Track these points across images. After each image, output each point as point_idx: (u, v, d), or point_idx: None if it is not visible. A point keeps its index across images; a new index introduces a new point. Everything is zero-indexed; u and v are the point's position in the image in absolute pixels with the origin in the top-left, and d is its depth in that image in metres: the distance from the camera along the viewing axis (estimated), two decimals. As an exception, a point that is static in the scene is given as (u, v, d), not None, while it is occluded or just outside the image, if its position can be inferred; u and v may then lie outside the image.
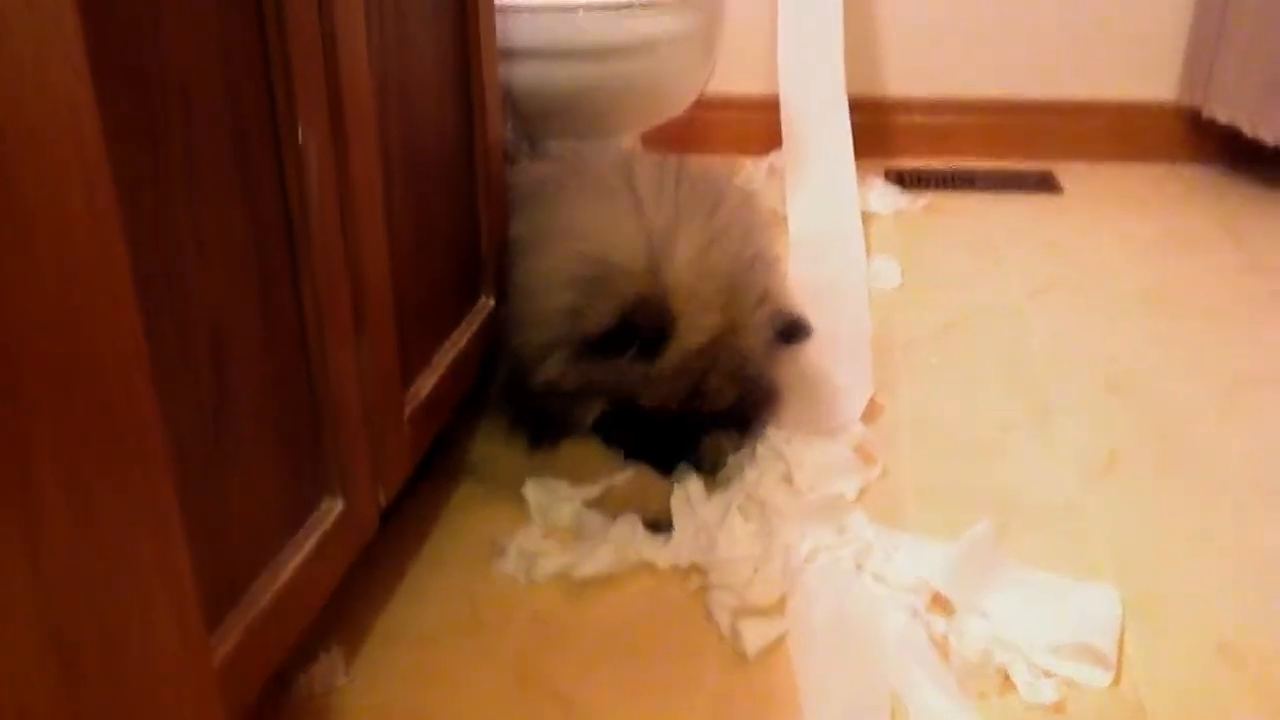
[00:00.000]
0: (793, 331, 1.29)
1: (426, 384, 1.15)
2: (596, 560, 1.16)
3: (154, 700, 0.63)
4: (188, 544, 0.67)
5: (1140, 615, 1.10)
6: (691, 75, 1.83)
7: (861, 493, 1.29)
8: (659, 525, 1.21)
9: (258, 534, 0.84)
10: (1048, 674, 1.02)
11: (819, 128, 2.17)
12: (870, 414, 1.45)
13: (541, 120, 1.73)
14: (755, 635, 1.07)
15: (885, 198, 2.23)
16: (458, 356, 1.23)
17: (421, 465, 1.16)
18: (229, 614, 0.79)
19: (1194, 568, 1.18)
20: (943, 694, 1.00)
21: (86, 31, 0.53)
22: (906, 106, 2.49)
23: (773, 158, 2.30)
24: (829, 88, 2.21)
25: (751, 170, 2.34)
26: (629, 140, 1.88)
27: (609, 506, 1.25)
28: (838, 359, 1.53)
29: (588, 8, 1.63)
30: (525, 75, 1.64)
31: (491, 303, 1.34)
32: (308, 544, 0.89)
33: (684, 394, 1.25)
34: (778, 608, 1.10)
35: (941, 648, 1.05)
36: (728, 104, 2.40)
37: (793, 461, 1.30)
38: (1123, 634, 1.07)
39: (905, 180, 2.34)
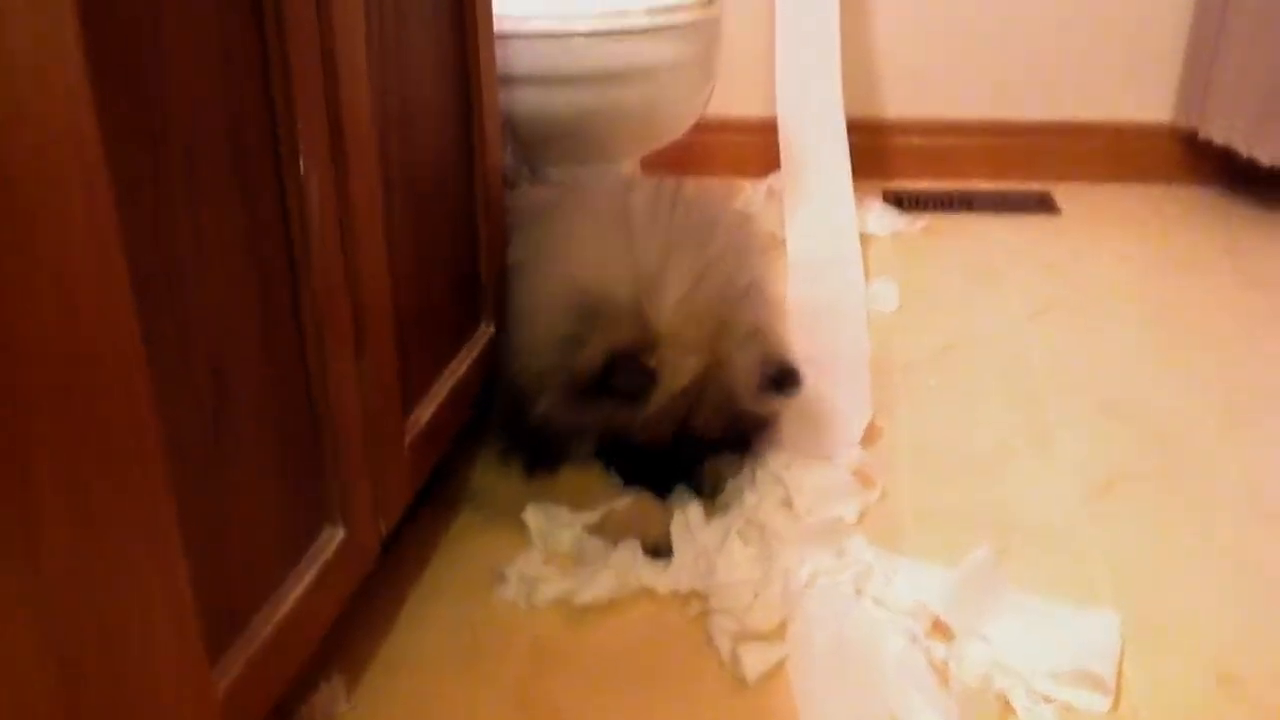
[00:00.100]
0: (783, 381, 1.28)
1: (427, 411, 1.15)
2: (597, 586, 1.16)
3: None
4: (190, 574, 0.68)
5: (1140, 639, 1.10)
6: (690, 100, 1.84)
7: (861, 516, 1.29)
8: (659, 550, 1.21)
9: (259, 565, 0.84)
10: (1047, 699, 1.02)
11: (817, 150, 2.19)
12: (869, 437, 1.45)
13: (541, 146, 1.75)
14: (755, 660, 1.07)
15: (883, 219, 2.24)
16: (458, 383, 1.23)
17: (421, 492, 1.16)
18: (231, 646, 0.80)
19: (1193, 591, 1.18)
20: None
21: (91, 68, 0.54)
22: (904, 128, 2.50)
23: (771, 180, 2.31)
24: (827, 110, 2.22)
25: (750, 192, 2.34)
26: (629, 165, 1.89)
27: (609, 532, 1.25)
28: (836, 382, 1.54)
29: (586, 34, 1.64)
30: (525, 101, 1.66)
31: (491, 329, 1.35)
32: (309, 574, 0.89)
33: (672, 430, 1.26)
34: (778, 633, 1.11)
35: (941, 673, 1.05)
36: (726, 126, 2.42)
37: (792, 485, 1.31)
38: (1122, 659, 1.07)
39: (903, 202, 2.35)
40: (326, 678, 1.04)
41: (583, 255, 1.27)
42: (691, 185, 1.41)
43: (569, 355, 1.22)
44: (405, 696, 1.05)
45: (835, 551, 1.20)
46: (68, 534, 0.55)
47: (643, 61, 1.69)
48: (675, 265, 1.25)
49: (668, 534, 1.22)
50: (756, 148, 2.35)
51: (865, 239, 2.11)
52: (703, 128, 2.00)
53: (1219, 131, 2.27)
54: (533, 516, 1.26)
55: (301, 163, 0.84)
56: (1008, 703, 1.02)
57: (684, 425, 1.26)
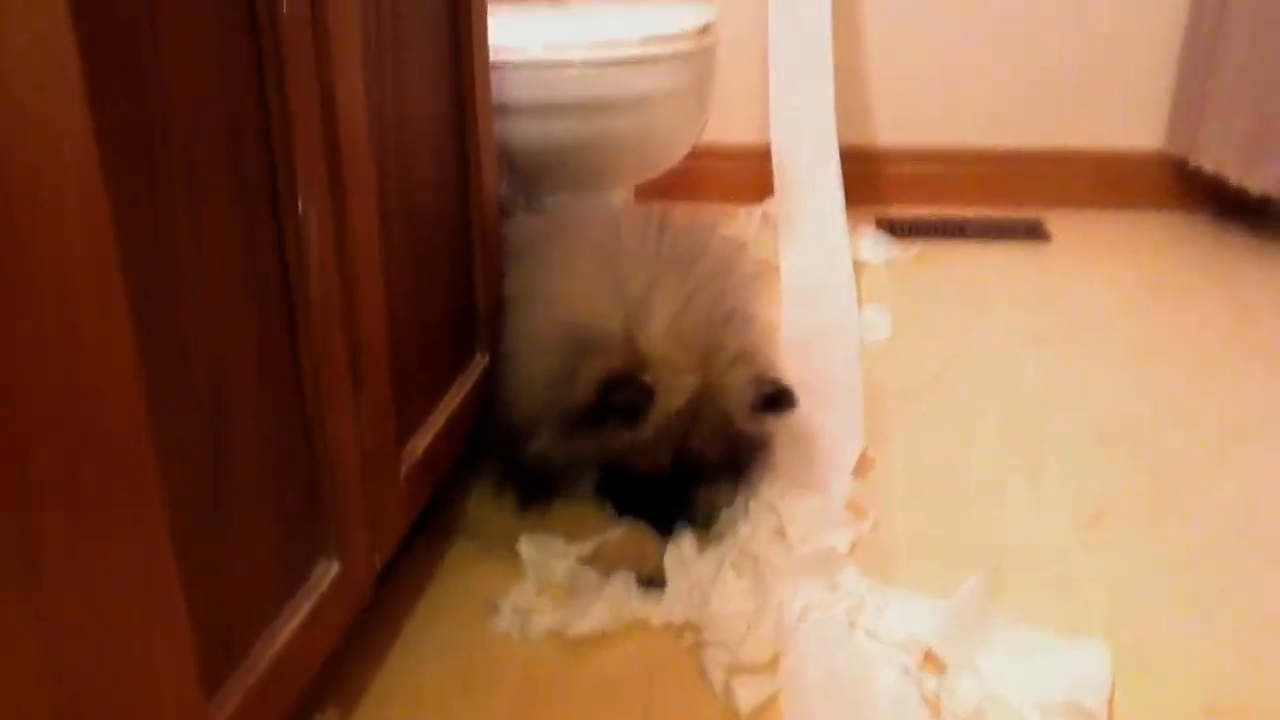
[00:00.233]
0: (775, 402, 1.29)
1: (422, 442, 1.16)
2: (591, 618, 1.16)
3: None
4: (187, 607, 0.68)
5: (1130, 672, 1.10)
6: (684, 129, 1.86)
7: (854, 546, 1.30)
8: (652, 581, 1.21)
9: (256, 598, 0.85)
10: (1039, 732, 1.03)
11: (810, 177, 2.20)
12: (861, 466, 1.46)
13: (536, 175, 1.76)
14: (749, 693, 1.07)
15: (876, 247, 2.26)
16: (453, 414, 1.24)
17: (416, 521, 1.17)
18: (228, 679, 0.80)
19: (1184, 622, 1.18)
20: (935, 753, 1.00)
21: (94, 108, 0.55)
22: (896, 156, 2.52)
23: (765, 206, 2.32)
24: (820, 137, 2.24)
25: (744, 219, 2.36)
26: (624, 192, 1.90)
27: (602, 563, 1.25)
28: (829, 411, 1.55)
29: (581, 65, 1.65)
30: (520, 131, 1.67)
31: (486, 359, 1.35)
32: (304, 607, 0.90)
33: (671, 455, 1.26)
34: (771, 666, 1.11)
35: (933, 706, 1.05)
36: (720, 153, 2.43)
37: (785, 516, 1.31)
38: (1113, 691, 1.07)
39: (896, 229, 2.36)
40: (321, 710, 1.04)
41: (571, 291, 1.29)
42: (679, 213, 1.42)
43: (562, 391, 1.23)
44: (399, 729, 1.05)
45: (828, 584, 1.21)
46: (68, 568, 0.56)
47: (637, 91, 1.71)
48: (662, 291, 1.26)
49: (661, 565, 1.23)
50: (750, 174, 2.37)
51: (858, 266, 2.13)
52: (697, 154, 2.02)
53: (1209, 160, 2.28)
54: (526, 547, 1.27)
55: (300, 201, 0.85)
56: (999, 736, 1.02)
57: (682, 449, 1.27)
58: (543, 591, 1.22)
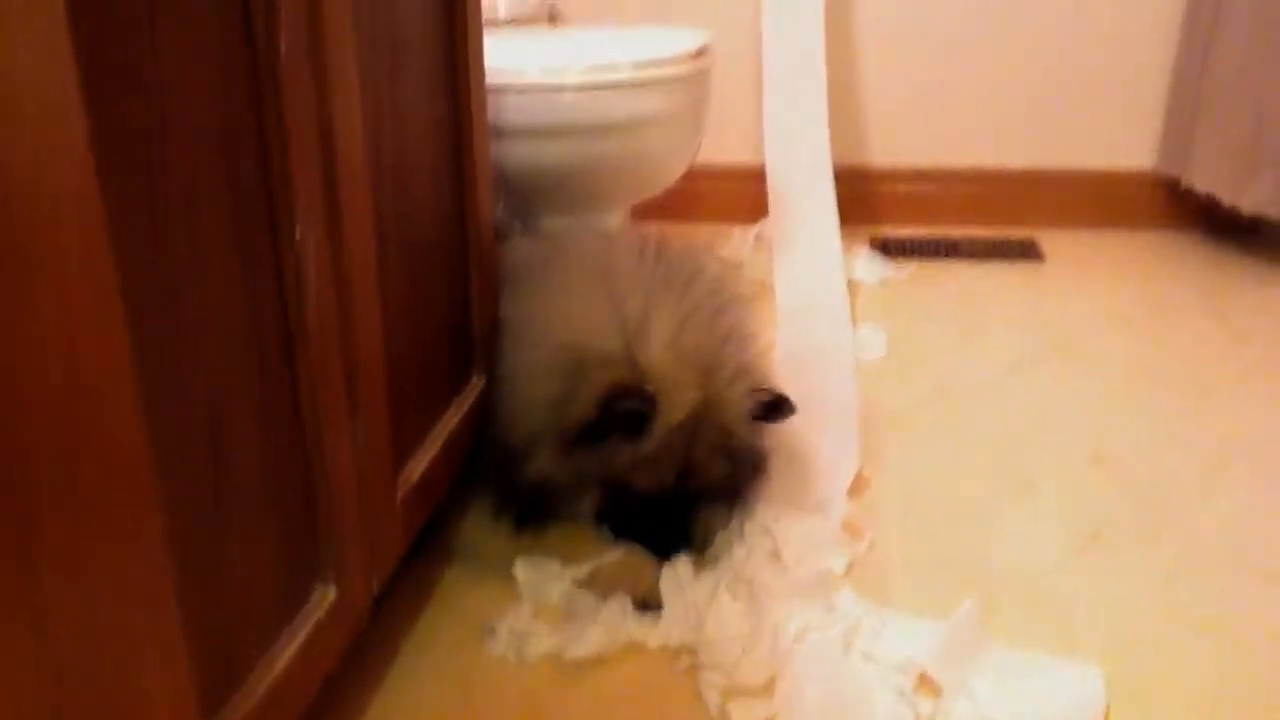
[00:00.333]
0: (772, 410, 1.31)
1: (419, 466, 1.16)
2: (587, 641, 1.16)
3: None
4: (186, 634, 0.69)
5: (1124, 694, 1.10)
6: (679, 152, 1.87)
7: (849, 568, 1.30)
8: (648, 604, 1.22)
9: (254, 624, 0.85)
10: (1033, 755, 1.03)
11: (805, 197, 2.21)
12: (857, 486, 1.47)
13: (532, 197, 1.77)
14: (744, 716, 1.07)
15: (871, 266, 2.27)
16: (450, 436, 1.24)
17: (413, 544, 1.17)
18: (225, 705, 0.80)
19: (1177, 644, 1.19)
20: (930, 776, 1.00)
21: (94, 131, 0.56)
22: (891, 176, 2.53)
23: (760, 226, 2.33)
24: (814, 158, 2.25)
25: (739, 239, 2.37)
26: (619, 214, 1.91)
27: (598, 585, 1.26)
28: (824, 431, 1.55)
29: (576, 88, 1.66)
30: (516, 154, 1.68)
31: (483, 382, 1.36)
32: (302, 633, 0.90)
33: (674, 472, 1.27)
34: (767, 688, 1.11)
35: (929, 729, 1.06)
36: (716, 173, 2.45)
37: (780, 537, 1.32)
38: (1107, 714, 1.08)
39: (890, 249, 2.37)
40: (318, 735, 1.04)
41: (569, 314, 1.29)
42: (674, 236, 1.44)
43: (560, 413, 1.23)
44: (396, 753, 1.06)
45: (824, 606, 1.21)
46: (68, 597, 0.57)
47: (633, 114, 1.72)
48: (660, 311, 1.27)
49: (657, 588, 1.23)
50: (745, 194, 2.38)
51: (853, 286, 2.14)
52: (692, 174, 2.03)
53: (1200, 180, 2.30)
54: (522, 570, 1.27)
55: (298, 228, 0.85)
56: (994, 759, 1.03)
57: (684, 467, 1.27)
58: (539, 614, 1.22)
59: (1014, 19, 2.40)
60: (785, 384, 1.39)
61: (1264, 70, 2.13)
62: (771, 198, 2.22)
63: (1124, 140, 2.47)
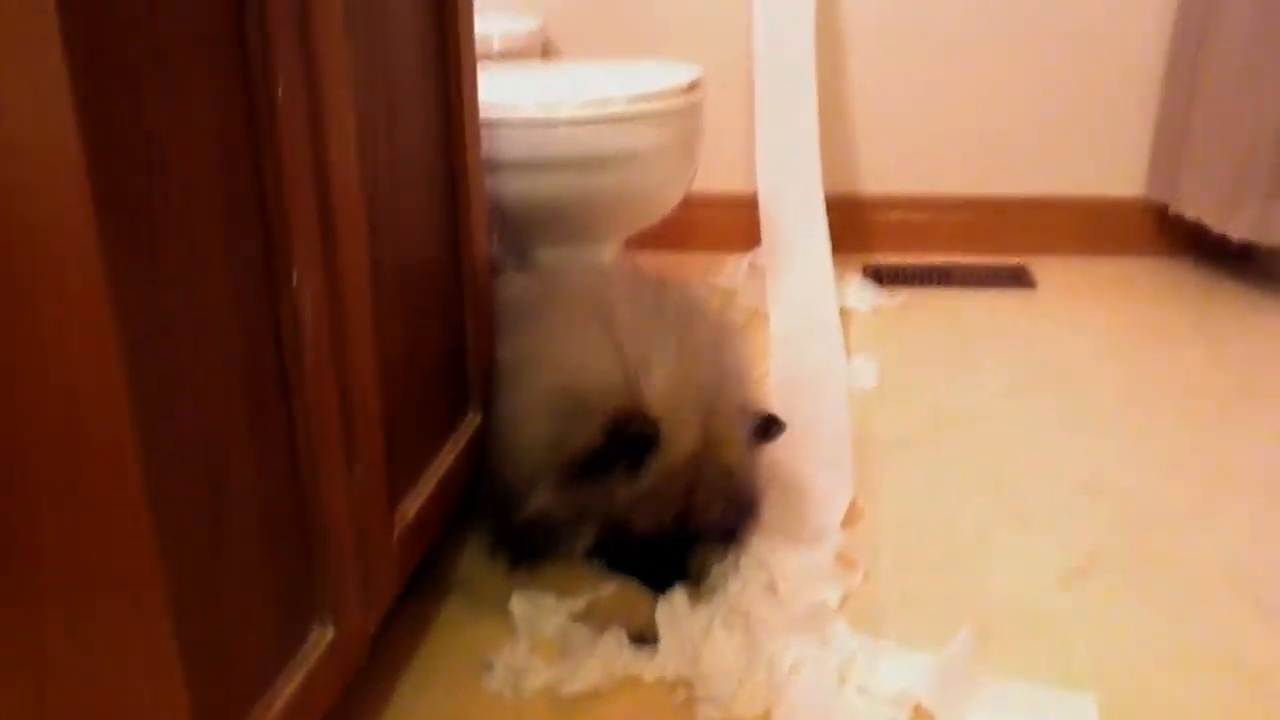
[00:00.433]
0: (766, 429, 1.34)
1: (415, 504, 1.17)
2: (583, 675, 1.17)
3: None
4: (185, 676, 0.69)
5: (1118, 725, 1.11)
6: (673, 183, 1.88)
7: (844, 600, 1.31)
8: (644, 638, 1.22)
9: (252, 666, 0.85)
10: (1028, 788, 1.03)
11: (797, 226, 2.23)
12: (851, 517, 1.47)
13: (526, 230, 1.78)
14: (741, 751, 1.08)
15: (863, 294, 2.28)
16: (446, 474, 1.25)
17: (409, 580, 1.17)
18: (223, 749, 0.81)
19: (1170, 674, 1.19)
20: (926, 811, 1.01)
21: (93, 177, 0.57)
22: (882, 204, 2.55)
23: (753, 255, 2.35)
24: (806, 186, 2.27)
25: (733, 267, 2.38)
26: (613, 246, 1.93)
27: (594, 619, 1.26)
28: (818, 460, 1.56)
29: (570, 122, 1.68)
30: (510, 187, 1.69)
31: (479, 418, 1.36)
32: (299, 674, 0.90)
33: (674, 514, 1.27)
34: (763, 722, 1.12)
35: (924, 763, 1.06)
36: (709, 202, 2.46)
37: (775, 571, 1.32)
38: (1101, 746, 1.09)
39: (882, 276, 2.39)
40: (315, 773, 1.04)
41: (566, 356, 1.30)
42: (667, 270, 1.45)
43: (560, 451, 1.24)
44: (393, 791, 1.06)
45: (819, 639, 1.21)
46: (68, 645, 0.57)
47: (625, 147, 1.73)
48: (661, 348, 1.28)
49: (653, 621, 1.23)
50: (738, 223, 2.40)
51: (845, 314, 2.15)
52: (686, 203, 2.04)
53: (1189, 207, 2.32)
54: (518, 605, 1.27)
55: (295, 273, 0.86)
56: (989, 792, 1.03)
57: (685, 509, 1.28)
58: (535, 649, 1.22)
59: (1004, 49, 2.42)
60: (779, 411, 1.40)
61: (1250, 100, 2.15)
62: (764, 226, 2.24)
63: (1115, 167, 2.49)
